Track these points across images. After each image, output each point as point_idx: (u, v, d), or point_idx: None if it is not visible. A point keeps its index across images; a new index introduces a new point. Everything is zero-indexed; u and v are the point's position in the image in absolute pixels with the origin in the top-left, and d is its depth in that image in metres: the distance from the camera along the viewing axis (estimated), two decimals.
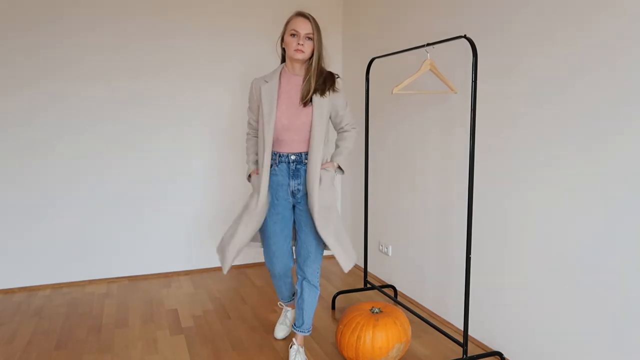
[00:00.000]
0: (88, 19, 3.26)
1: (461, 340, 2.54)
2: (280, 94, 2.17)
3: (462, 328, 2.64)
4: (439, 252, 2.79)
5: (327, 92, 2.15)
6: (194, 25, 3.51)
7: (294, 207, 2.29)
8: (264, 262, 3.92)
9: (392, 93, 2.56)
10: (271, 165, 2.21)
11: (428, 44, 2.39)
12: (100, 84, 3.34)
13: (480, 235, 2.45)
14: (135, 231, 3.52)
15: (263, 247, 2.35)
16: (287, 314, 2.62)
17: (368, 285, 3.12)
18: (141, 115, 3.45)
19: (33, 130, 3.23)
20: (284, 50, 2.22)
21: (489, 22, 2.33)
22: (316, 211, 2.12)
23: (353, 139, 2.31)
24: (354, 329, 2.20)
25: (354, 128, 2.31)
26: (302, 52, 2.10)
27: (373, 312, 2.26)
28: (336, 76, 2.20)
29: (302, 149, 2.19)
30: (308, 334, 2.32)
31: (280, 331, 2.57)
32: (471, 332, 2.54)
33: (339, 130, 2.31)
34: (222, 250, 2.28)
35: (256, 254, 3.89)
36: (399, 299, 3.15)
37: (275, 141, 2.19)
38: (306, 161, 2.20)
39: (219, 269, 3.76)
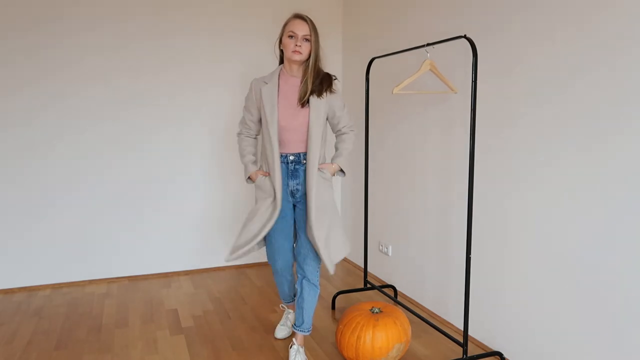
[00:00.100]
0: (88, 19, 3.26)
1: (461, 340, 2.54)
2: (279, 95, 2.19)
3: (462, 328, 2.64)
4: (439, 252, 2.79)
5: (324, 93, 2.18)
6: (194, 25, 3.51)
7: (294, 206, 2.30)
8: (263, 262, 3.93)
9: (392, 93, 2.56)
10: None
11: (428, 44, 2.40)
12: (100, 84, 3.34)
13: (480, 235, 2.45)
14: (135, 231, 3.52)
15: (266, 244, 2.37)
16: (289, 316, 2.63)
17: (368, 285, 3.12)
18: (141, 115, 3.45)
19: (33, 130, 3.23)
20: (282, 51, 2.24)
21: (489, 22, 2.33)
22: (313, 212, 2.14)
23: (351, 141, 2.32)
24: (354, 329, 2.20)
25: (352, 130, 2.32)
26: (300, 53, 2.12)
27: (373, 312, 2.26)
28: (333, 77, 2.22)
29: (301, 150, 2.21)
30: (308, 333, 2.33)
31: (281, 332, 2.58)
32: (471, 332, 2.54)
33: (337, 132, 2.32)
34: (236, 240, 2.28)
35: (256, 254, 3.89)
36: (399, 299, 3.15)
37: None
38: (304, 161, 2.22)
39: (219, 269, 3.76)
